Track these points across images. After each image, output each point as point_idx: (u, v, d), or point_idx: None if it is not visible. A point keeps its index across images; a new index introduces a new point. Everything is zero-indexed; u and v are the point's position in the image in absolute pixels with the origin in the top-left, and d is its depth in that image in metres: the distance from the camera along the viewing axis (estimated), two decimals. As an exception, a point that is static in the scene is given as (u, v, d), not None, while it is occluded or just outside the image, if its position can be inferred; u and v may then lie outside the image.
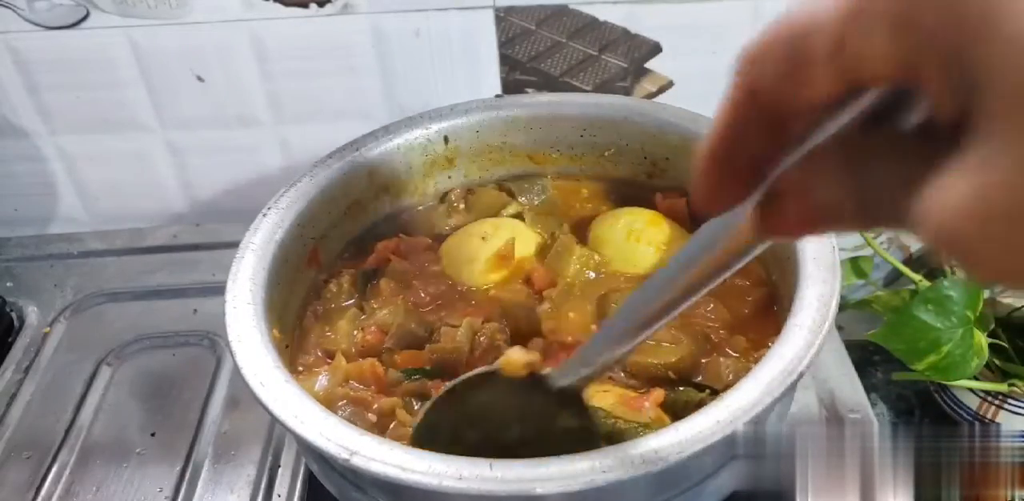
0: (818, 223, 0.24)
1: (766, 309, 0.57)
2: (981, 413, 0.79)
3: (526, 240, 0.62)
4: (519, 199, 0.66)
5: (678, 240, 0.60)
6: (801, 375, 0.45)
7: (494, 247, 0.60)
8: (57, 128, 0.80)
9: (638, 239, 0.60)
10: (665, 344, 0.53)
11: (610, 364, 0.39)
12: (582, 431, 0.43)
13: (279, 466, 0.62)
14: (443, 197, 0.68)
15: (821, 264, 0.49)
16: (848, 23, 0.19)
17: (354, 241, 0.65)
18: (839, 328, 0.80)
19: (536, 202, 0.66)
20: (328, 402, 0.52)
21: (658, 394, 0.50)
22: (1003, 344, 0.74)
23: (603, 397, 0.50)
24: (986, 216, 0.17)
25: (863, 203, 0.23)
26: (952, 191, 0.18)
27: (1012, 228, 0.17)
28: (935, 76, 0.19)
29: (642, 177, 0.66)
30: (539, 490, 0.41)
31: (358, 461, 0.42)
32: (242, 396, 0.67)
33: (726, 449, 0.44)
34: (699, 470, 0.47)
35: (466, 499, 0.44)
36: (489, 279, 0.60)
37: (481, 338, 0.55)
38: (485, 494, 0.42)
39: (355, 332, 0.58)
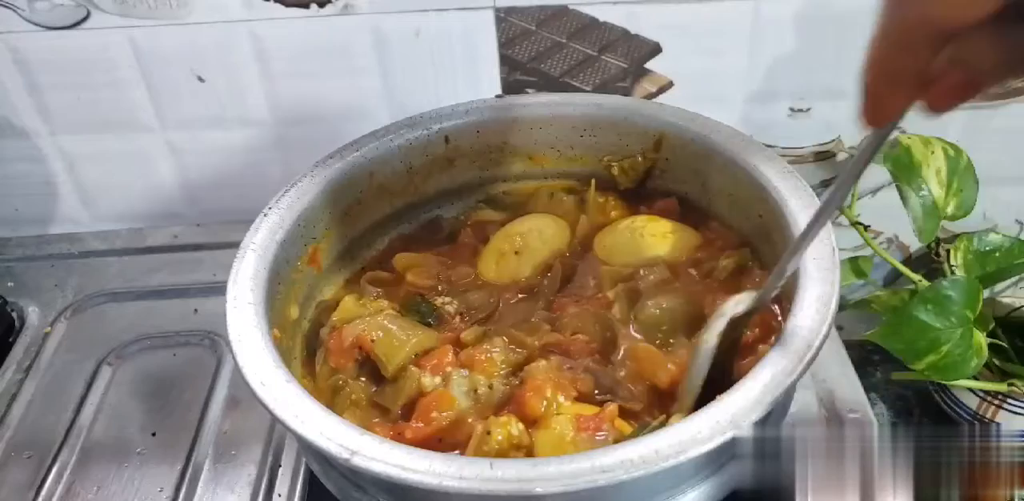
0: (973, 88, 0.33)
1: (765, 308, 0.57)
2: (980, 413, 0.79)
3: (556, 235, 0.64)
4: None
5: (677, 230, 0.62)
6: (801, 375, 0.45)
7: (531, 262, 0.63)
8: (57, 128, 0.80)
9: (642, 234, 0.61)
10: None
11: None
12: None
13: (280, 466, 0.63)
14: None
15: (821, 264, 0.49)
16: None
17: (355, 241, 0.65)
18: (839, 328, 0.80)
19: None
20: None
21: (612, 410, 0.49)
22: (1002, 344, 0.74)
23: (559, 424, 0.49)
24: None
25: (1008, 64, 0.31)
26: None
27: None
28: None
29: (642, 178, 0.66)
30: (539, 490, 0.41)
31: (359, 461, 0.42)
32: (243, 396, 0.67)
33: (726, 449, 0.44)
34: (699, 470, 0.47)
35: (467, 498, 0.44)
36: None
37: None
38: (485, 494, 0.42)
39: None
